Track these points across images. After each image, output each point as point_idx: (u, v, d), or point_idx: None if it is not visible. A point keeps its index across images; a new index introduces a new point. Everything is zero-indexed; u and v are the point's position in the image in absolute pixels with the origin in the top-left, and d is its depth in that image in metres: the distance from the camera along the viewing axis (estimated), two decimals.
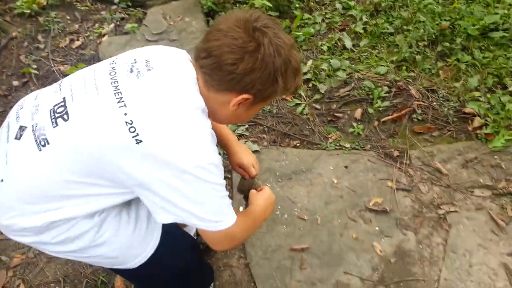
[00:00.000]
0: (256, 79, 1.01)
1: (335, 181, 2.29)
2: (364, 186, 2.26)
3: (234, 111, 1.09)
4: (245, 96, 1.04)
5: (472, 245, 1.95)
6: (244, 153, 1.55)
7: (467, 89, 2.66)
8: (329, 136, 2.53)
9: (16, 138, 1.03)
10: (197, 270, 1.53)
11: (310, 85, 2.84)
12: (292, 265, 1.93)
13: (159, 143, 0.94)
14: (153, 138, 0.94)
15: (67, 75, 2.90)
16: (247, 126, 2.62)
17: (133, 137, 0.93)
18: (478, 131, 2.44)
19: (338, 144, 2.48)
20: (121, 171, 0.97)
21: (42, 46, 3.29)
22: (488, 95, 2.58)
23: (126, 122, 0.94)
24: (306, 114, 2.66)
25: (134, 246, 1.18)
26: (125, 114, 0.95)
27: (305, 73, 2.87)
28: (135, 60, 1.06)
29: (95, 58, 3.10)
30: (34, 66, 3.08)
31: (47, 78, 3.01)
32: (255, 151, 2.45)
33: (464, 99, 2.60)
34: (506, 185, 2.17)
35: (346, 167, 2.36)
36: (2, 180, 1.03)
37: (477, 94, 2.61)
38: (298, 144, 2.52)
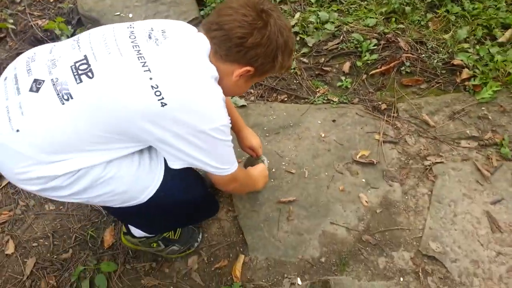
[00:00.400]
0: (260, 54, 1.17)
1: (323, 134, 2.28)
2: (352, 139, 2.25)
3: (235, 82, 1.24)
4: (248, 68, 1.20)
5: (457, 195, 1.98)
6: (253, 136, 1.91)
7: (456, 40, 2.62)
8: (317, 90, 2.50)
9: (31, 90, 1.07)
10: (204, 203, 1.59)
11: (298, 38, 2.76)
12: (280, 217, 1.95)
13: (182, 107, 1.06)
14: (176, 102, 1.05)
15: (46, 30, 2.80)
16: None
17: (159, 100, 1.03)
18: (466, 83, 2.42)
19: (326, 98, 2.44)
20: (144, 130, 1.07)
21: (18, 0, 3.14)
22: (477, 47, 2.55)
23: (152, 86, 1.03)
24: (294, 68, 2.61)
25: (142, 178, 1.24)
26: (150, 78, 1.03)
27: (292, 26, 2.79)
28: (152, 28, 1.15)
29: (74, 12, 2.97)
30: (11, 21, 2.94)
31: (25, 33, 2.88)
32: (242, 106, 2.42)
33: (453, 51, 2.57)
34: (492, 136, 2.18)
35: (333, 121, 2.34)
36: (18, 130, 1.06)
37: (466, 45, 2.57)
38: (286, 99, 2.48)
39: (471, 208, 1.92)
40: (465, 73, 2.43)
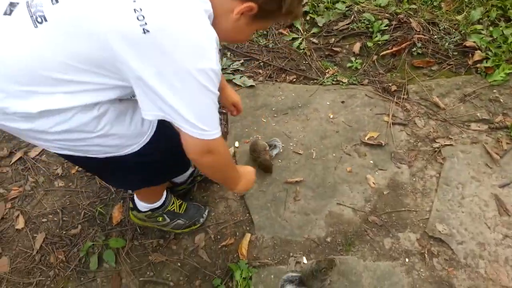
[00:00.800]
0: None
1: (331, 116, 2.26)
2: (360, 120, 2.23)
3: (235, 21, 1.07)
4: (250, 4, 1.02)
5: (465, 177, 1.96)
6: (234, 93, 1.76)
7: (469, 22, 2.56)
8: (326, 71, 2.46)
9: (5, 14, 0.97)
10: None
11: (308, 18, 2.72)
12: (287, 197, 1.95)
13: (166, 37, 0.91)
14: (161, 30, 0.90)
15: None
16: (242, 61, 2.54)
17: (141, 25, 0.89)
18: (478, 65, 2.37)
19: (335, 79, 2.41)
20: (121, 60, 0.94)
21: None
22: (491, 28, 2.49)
23: (135, 10, 0.89)
24: (303, 49, 2.57)
25: (134, 135, 1.19)
26: (134, 1, 0.90)
27: (302, 6, 2.74)
28: None
29: None
30: None
31: None
32: (250, 86, 2.39)
33: (465, 33, 2.51)
34: (503, 119, 2.15)
35: (342, 102, 2.31)
36: None
37: (479, 27, 2.51)
38: (295, 79, 2.45)
39: (479, 191, 1.90)
40: (477, 55, 2.38)
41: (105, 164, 1.25)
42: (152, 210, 1.70)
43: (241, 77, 2.43)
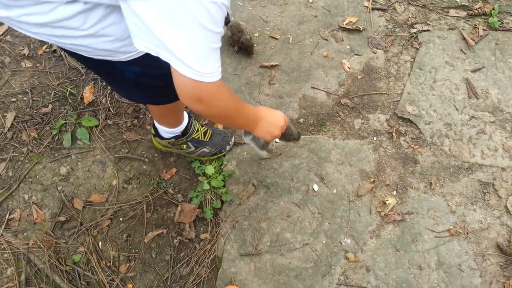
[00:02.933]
0: None
1: (310, 0, 2.12)
2: (340, 6, 2.10)
3: None
4: None
5: (439, 62, 1.91)
6: None
7: None
8: None
9: None
10: None
11: None
12: (261, 81, 1.88)
13: None
14: None
15: None
16: None
17: None
18: None
19: None
20: None
21: None
22: None
23: None
24: None
25: (130, 41, 0.96)
26: None
27: None
28: None
29: None
30: None
31: None
32: None
33: None
34: (482, 5, 2.05)
35: None
36: None
37: None
38: None
39: (452, 75, 1.87)
40: None
41: (101, 66, 1.06)
42: (176, 137, 1.56)
43: None
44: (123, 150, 1.71)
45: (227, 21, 1.91)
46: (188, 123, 1.57)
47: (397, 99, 1.82)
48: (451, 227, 1.53)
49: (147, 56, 0.89)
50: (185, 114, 1.56)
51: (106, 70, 1.11)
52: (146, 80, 1.14)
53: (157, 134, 1.58)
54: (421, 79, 1.86)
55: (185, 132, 1.56)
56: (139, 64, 1.07)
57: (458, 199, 1.59)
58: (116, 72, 1.09)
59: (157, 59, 0.84)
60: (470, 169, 1.65)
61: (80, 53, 1.01)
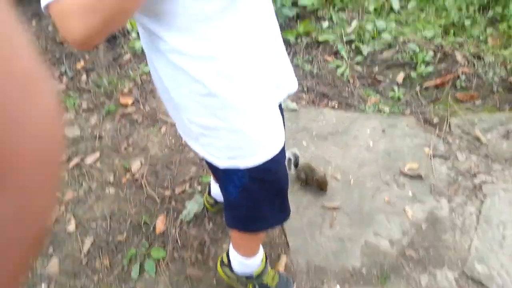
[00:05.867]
0: None
1: (371, 144, 2.15)
2: (400, 151, 2.10)
3: None
4: None
5: (506, 217, 1.79)
6: None
7: None
8: (368, 99, 2.36)
9: None
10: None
11: (353, 46, 2.62)
12: (323, 222, 1.85)
13: None
14: None
15: None
16: None
17: None
18: None
19: (377, 108, 2.30)
20: None
21: None
22: None
23: None
24: (347, 76, 2.47)
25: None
26: None
27: (348, 34, 2.66)
28: None
29: None
30: None
31: None
32: (292, 110, 2.32)
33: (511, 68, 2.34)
34: None
35: (383, 130, 2.20)
36: None
37: None
38: (336, 106, 2.36)
39: None
40: None
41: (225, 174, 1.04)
42: (247, 277, 1.50)
43: (284, 100, 2.36)
44: (185, 286, 1.69)
45: (296, 163, 1.97)
46: (265, 265, 1.50)
47: (465, 255, 1.69)
48: None
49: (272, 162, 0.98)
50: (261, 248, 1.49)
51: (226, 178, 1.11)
52: (254, 191, 1.10)
53: (228, 264, 1.50)
54: (488, 234, 1.74)
55: (260, 275, 1.49)
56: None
57: None
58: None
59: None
60: None
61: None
